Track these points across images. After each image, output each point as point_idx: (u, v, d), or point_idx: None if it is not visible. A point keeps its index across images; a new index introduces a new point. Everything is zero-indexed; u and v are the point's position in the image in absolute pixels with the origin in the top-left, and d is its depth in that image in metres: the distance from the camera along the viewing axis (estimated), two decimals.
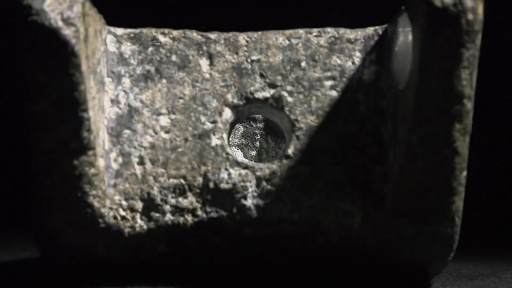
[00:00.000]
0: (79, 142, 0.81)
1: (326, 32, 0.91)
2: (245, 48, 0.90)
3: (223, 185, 0.86)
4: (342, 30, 0.91)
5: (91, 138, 0.82)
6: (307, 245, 0.86)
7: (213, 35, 0.91)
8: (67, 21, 0.78)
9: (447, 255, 0.87)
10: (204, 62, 0.90)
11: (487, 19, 0.81)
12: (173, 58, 0.90)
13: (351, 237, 0.85)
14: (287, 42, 0.90)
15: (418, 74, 0.79)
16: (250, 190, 0.86)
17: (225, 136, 0.88)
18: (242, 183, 0.86)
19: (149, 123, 0.88)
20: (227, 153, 0.87)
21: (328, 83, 0.89)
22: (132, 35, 0.91)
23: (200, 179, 0.86)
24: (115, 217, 0.85)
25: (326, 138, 0.87)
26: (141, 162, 0.87)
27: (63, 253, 0.86)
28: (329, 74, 0.89)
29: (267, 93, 0.89)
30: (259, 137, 0.93)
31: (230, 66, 0.90)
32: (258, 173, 0.86)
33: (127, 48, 0.90)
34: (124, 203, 0.85)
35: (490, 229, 1.52)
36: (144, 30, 0.91)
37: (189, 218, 0.86)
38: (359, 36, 0.90)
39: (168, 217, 0.86)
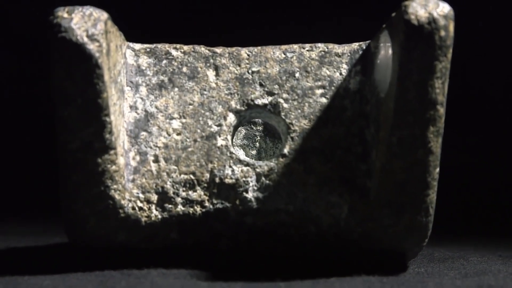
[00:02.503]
0: (102, 142, 0.81)
1: (317, 47, 0.91)
2: (247, 61, 0.90)
3: (228, 180, 0.85)
4: (331, 45, 0.91)
5: (113, 139, 0.82)
6: (301, 232, 0.85)
7: (218, 50, 0.91)
8: (91, 37, 0.78)
9: (422, 241, 0.87)
10: (211, 73, 0.90)
11: (457, 35, 0.81)
12: (184, 69, 0.90)
13: (339, 226, 0.85)
14: (283, 55, 0.90)
15: (397, 84, 0.78)
16: (251, 184, 0.85)
17: (229, 137, 0.88)
18: (244, 179, 0.85)
19: (163, 126, 0.88)
20: (231, 152, 0.87)
21: (319, 91, 0.89)
22: (148, 49, 0.90)
23: (207, 175, 0.86)
24: (133, 208, 0.84)
25: (317, 139, 0.87)
26: (156, 160, 0.86)
27: (88, 239, 0.85)
28: (319, 83, 0.89)
29: (266, 100, 0.89)
30: (259, 138, 0.93)
31: (233, 77, 0.90)
32: (258, 170, 0.86)
33: (144, 61, 0.90)
34: (141, 195, 0.85)
35: (459, 218, 1.53)
36: (159, 45, 0.91)
37: (198, 209, 0.85)
38: (346, 51, 0.90)
39: (180, 208, 0.85)
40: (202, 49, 0.91)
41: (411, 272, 0.88)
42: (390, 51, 0.82)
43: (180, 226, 0.85)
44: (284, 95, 0.89)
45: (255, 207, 0.85)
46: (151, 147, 0.87)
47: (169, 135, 0.88)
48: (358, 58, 0.89)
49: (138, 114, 0.88)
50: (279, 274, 0.81)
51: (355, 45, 0.90)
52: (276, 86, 0.89)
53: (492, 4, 1.73)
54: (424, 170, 0.81)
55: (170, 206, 0.85)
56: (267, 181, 0.85)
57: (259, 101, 0.89)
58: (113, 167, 0.82)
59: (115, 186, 0.83)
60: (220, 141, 0.87)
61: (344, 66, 0.89)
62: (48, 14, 0.79)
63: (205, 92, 0.89)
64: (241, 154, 0.90)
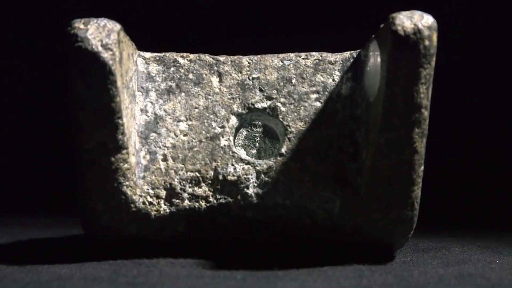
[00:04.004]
0: (115, 143, 0.81)
1: (312, 55, 0.90)
2: (247, 68, 0.90)
3: (230, 177, 0.85)
4: (324, 54, 0.90)
5: (125, 140, 0.81)
6: (297, 225, 0.85)
7: (222, 58, 0.91)
8: (105, 47, 0.78)
9: (408, 233, 0.86)
10: (215, 79, 0.90)
11: (440, 45, 0.81)
12: (190, 76, 0.90)
13: (332, 219, 0.84)
14: (281, 63, 0.90)
15: (385, 89, 0.78)
16: (251, 181, 0.85)
17: (231, 138, 0.88)
18: (245, 176, 0.85)
19: (171, 128, 0.88)
20: (233, 152, 0.87)
21: (314, 96, 0.89)
22: (157, 57, 0.90)
23: (211, 173, 0.86)
24: (143, 203, 0.84)
25: (312, 140, 0.87)
26: (165, 159, 0.86)
27: (102, 231, 0.85)
28: (314, 89, 0.89)
29: (265, 104, 0.89)
30: (259, 139, 0.92)
31: (235, 83, 0.89)
32: (257, 168, 0.86)
33: (154, 68, 0.90)
34: (151, 191, 0.85)
35: (442, 212, 1.52)
36: (167, 54, 0.91)
37: (203, 203, 0.85)
38: (338, 59, 0.90)
39: (186, 202, 0.85)
40: (207, 57, 0.91)
41: (397, 261, 0.88)
42: (378, 59, 0.81)
43: (186, 219, 0.85)
44: (282, 100, 0.89)
45: (255, 202, 0.85)
46: (160, 147, 0.87)
47: (177, 136, 0.87)
48: (350, 65, 0.89)
49: (148, 117, 0.88)
50: (277, 263, 0.81)
51: (346, 54, 0.90)
52: (275, 91, 0.89)
53: (469, 20, 1.73)
54: (410, 168, 0.81)
55: (177, 201, 0.85)
56: (266, 178, 0.85)
57: (259, 105, 0.89)
58: (125, 165, 0.82)
59: (127, 183, 0.83)
60: (223, 142, 0.87)
61: (337, 73, 0.89)
62: (65, 25, 0.79)
63: (210, 97, 0.89)
64: (242, 154, 0.89)
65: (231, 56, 0.91)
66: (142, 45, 0.93)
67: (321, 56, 0.90)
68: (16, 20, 1.86)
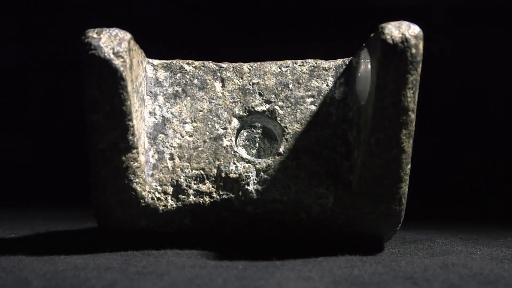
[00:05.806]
0: (126, 143, 0.80)
1: (307, 62, 0.90)
2: (248, 74, 0.89)
3: (232, 175, 0.85)
4: (319, 61, 0.90)
5: (135, 140, 0.81)
6: (293, 218, 0.85)
7: (224, 65, 0.90)
8: (117, 54, 0.77)
9: (396, 226, 0.86)
10: (218, 85, 0.89)
11: (426, 52, 0.80)
12: (195, 81, 0.89)
13: (326, 213, 0.84)
14: (279, 69, 0.90)
15: (375, 93, 0.78)
16: (251, 178, 0.85)
17: (233, 139, 0.87)
18: (245, 174, 0.85)
19: (178, 129, 0.87)
20: (235, 151, 0.86)
21: (309, 100, 0.88)
22: (165, 64, 0.90)
23: (215, 170, 0.85)
24: (152, 198, 0.84)
25: (308, 140, 0.86)
26: (172, 158, 0.86)
27: (114, 225, 0.85)
28: (309, 93, 0.88)
29: (264, 107, 0.88)
30: (258, 139, 0.92)
31: (237, 87, 0.89)
32: (257, 166, 0.85)
33: (161, 74, 0.89)
34: (159, 188, 0.84)
35: (427, 206, 1.52)
36: (174, 61, 0.90)
37: (207, 199, 0.85)
38: (332, 65, 0.89)
39: (191, 198, 0.85)
40: (211, 64, 0.90)
41: (386, 252, 0.88)
42: (369, 66, 0.81)
43: (192, 213, 0.85)
44: (280, 103, 0.88)
45: (255, 197, 0.84)
46: (167, 147, 0.86)
47: (183, 136, 0.87)
48: (342, 71, 0.89)
49: (156, 119, 0.87)
50: (275, 254, 0.80)
51: (339, 61, 0.90)
52: (273, 95, 0.89)
53: (452, 31, 1.74)
54: (397, 167, 0.80)
55: (183, 196, 0.85)
56: (265, 176, 0.85)
57: (258, 108, 0.88)
58: (135, 164, 0.82)
59: (137, 180, 0.82)
60: (225, 142, 0.87)
61: (330, 78, 0.89)
62: (80, 35, 0.79)
63: (213, 101, 0.89)
64: (243, 153, 0.89)
65: (233, 63, 0.91)
66: (150, 53, 0.92)
67: (316, 63, 0.90)
68: (39, 32, 1.86)
